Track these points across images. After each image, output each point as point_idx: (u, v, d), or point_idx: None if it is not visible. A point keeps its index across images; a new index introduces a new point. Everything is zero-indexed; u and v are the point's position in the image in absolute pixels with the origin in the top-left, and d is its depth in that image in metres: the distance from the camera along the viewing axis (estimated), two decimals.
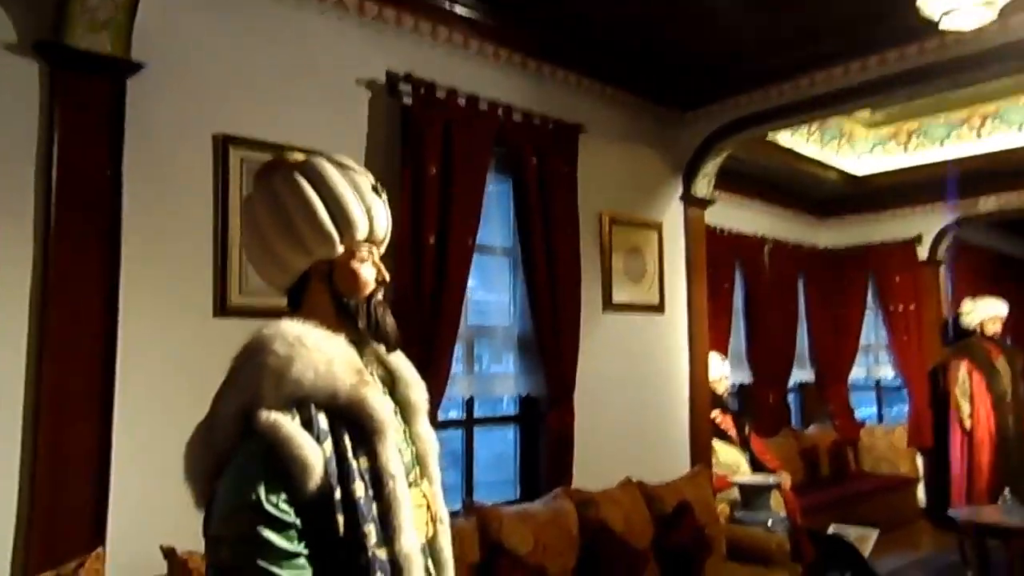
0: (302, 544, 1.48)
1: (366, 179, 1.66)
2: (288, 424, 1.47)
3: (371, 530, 1.50)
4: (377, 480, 1.53)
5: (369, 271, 1.68)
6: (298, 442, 1.46)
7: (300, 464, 1.46)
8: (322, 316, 1.66)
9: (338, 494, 1.48)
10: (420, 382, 1.73)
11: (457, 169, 3.45)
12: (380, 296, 1.69)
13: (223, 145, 2.88)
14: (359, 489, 1.50)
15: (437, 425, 4.08)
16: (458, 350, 3.64)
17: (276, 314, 2.88)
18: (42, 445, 2.44)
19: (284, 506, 1.45)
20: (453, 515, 3.40)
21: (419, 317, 3.30)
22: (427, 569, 1.64)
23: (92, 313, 2.56)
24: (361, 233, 1.65)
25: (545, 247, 3.82)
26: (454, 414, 4.18)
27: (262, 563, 1.42)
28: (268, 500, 1.43)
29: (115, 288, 2.61)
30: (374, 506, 1.52)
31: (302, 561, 1.47)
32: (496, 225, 3.88)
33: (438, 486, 1.73)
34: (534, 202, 3.79)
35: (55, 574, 2.31)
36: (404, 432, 1.70)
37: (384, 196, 1.68)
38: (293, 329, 1.56)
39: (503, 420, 4.57)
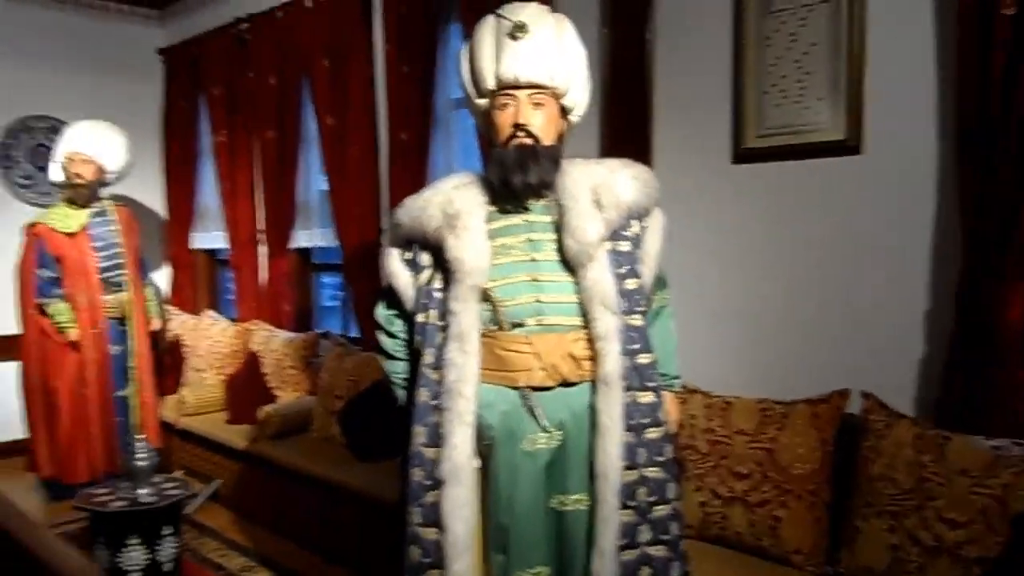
0: (407, 351, 1.86)
1: (508, 22, 1.56)
2: (390, 257, 1.82)
3: (428, 352, 1.70)
4: (446, 313, 1.68)
5: (504, 117, 1.65)
6: (390, 271, 1.81)
7: (397, 289, 1.81)
8: None
9: (420, 317, 1.75)
10: (581, 230, 1.62)
11: None
12: (517, 141, 1.63)
13: None
14: (432, 316, 1.72)
15: None
16: None
17: (802, 152, 2.50)
18: None
19: (393, 319, 1.86)
20: None
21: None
22: (531, 415, 1.67)
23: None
24: (488, 82, 1.65)
25: None
26: None
27: (379, 356, 1.93)
28: (383, 313, 1.88)
29: (647, 140, 2.74)
30: (439, 335, 1.69)
31: (399, 364, 1.88)
32: None
33: (605, 343, 1.62)
34: None
35: None
36: (535, 279, 1.67)
37: (526, 36, 1.59)
38: (442, 179, 1.83)
39: None
